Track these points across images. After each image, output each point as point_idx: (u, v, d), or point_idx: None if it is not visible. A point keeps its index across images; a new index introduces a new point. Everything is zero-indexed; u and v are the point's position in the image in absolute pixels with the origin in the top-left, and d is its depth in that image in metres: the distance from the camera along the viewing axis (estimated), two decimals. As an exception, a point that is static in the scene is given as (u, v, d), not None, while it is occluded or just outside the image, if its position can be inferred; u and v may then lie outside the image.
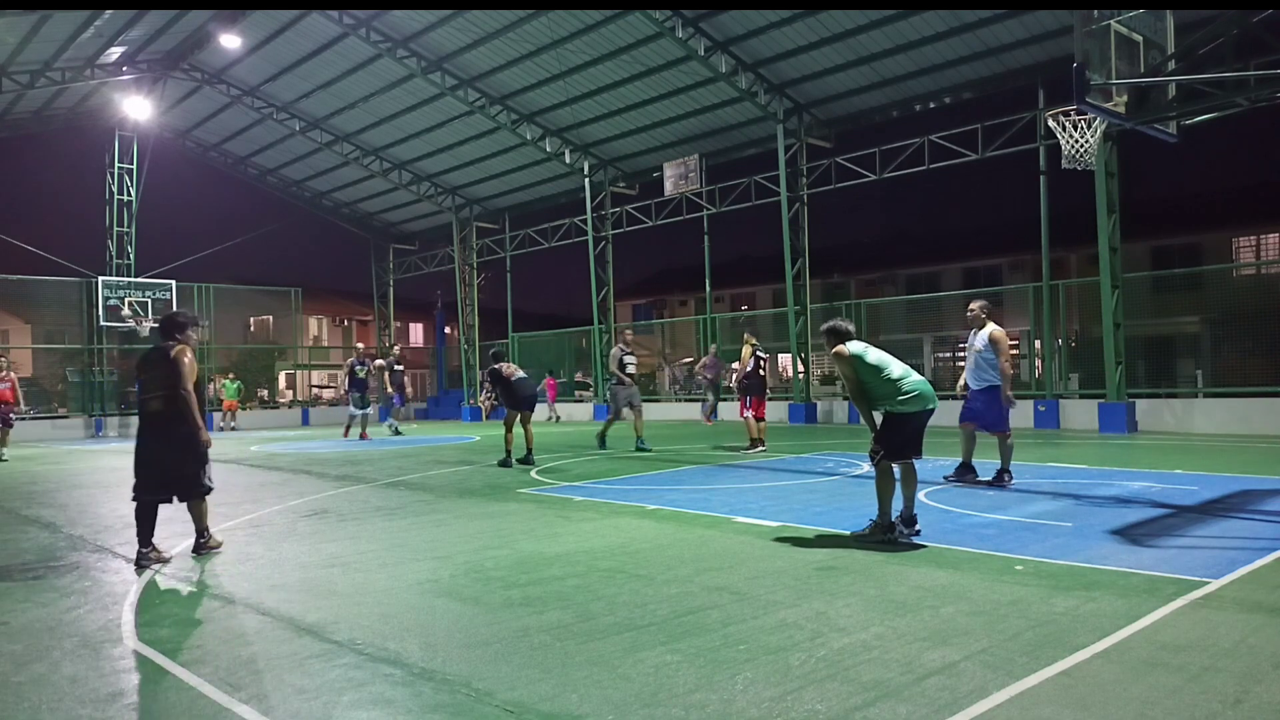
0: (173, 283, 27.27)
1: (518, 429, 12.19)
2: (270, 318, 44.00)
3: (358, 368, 18.97)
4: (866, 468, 10.38)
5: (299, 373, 38.57)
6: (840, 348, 6.41)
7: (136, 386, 6.29)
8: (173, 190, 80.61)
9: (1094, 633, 3.88)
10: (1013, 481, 8.69)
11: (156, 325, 27.35)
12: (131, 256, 27.17)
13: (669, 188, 23.67)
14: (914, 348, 32.35)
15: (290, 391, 40.29)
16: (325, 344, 48.25)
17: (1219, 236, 30.40)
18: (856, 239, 47.84)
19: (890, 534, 6.05)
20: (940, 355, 32.26)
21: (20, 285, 27.14)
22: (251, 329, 45.59)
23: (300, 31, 21.85)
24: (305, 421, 30.12)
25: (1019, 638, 3.86)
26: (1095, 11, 7.46)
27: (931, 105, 19.59)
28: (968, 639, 3.86)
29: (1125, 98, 7.98)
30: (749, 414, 13.21)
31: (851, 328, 6.65)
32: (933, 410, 6.37)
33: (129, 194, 27.13)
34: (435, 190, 29.45)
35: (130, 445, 6.18)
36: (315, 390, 40.53)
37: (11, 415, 16.29)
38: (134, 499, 6.08)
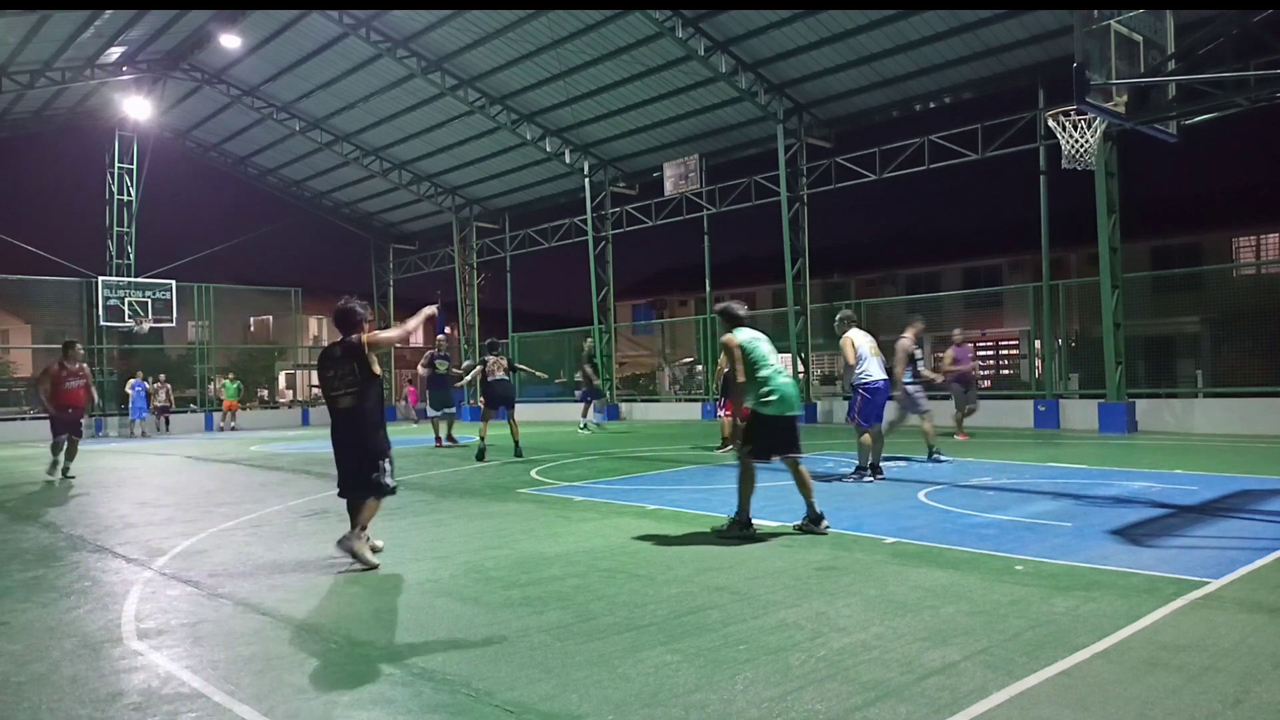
0: (173, 283, 27.29)
1: (501, 426, 12.60)
2: (270, 318, 43.96)
3: (439, 362, 16.31)
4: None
5: (299, 373, 38.57)
6: (728, 337, 6.48)
7: (321, 384, 5.99)
8: (173, 190, 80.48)
9: (1094, 633, 3.88)
10: (868, 479, 9.10)
11: (155, 325, 27.40)
12: (131, 256, 27.18)
13: (669, 188, 23.67)
14: (914, 348, 32.30)
15: (290, 391, 40.30)
16: (325, 344, 48.23)
17: (1219, 236, 30.38)
18: (856, 239, 47.80)
19: (748, 529, 6.28)
20: (940, 355, 32.22)
21: (20, 285, 27.16)
22: (251, 329, 45.56)
23: (300, 31, 21.85)
24: (305, 421, 30.12)
25: (1019, 638, 3.86)
26: (1095, 11, 7.46)
27: (931, 105, 19.58)
28: (968, 639, 3.86)
29: (1125, 98, 7.98)
30: (722, 414, 13.20)
31: (744, 311, 6.71)
32: (796, 416, 6.53)
33: (129, 194, 27.13)
34: (435, 190, 29.45)
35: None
36: (315, 390, 40.51)
37: (80, 421, 12.42)
38: (339, 494, 5.97)
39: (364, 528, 5.73)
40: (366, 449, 5.74)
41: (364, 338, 5.77)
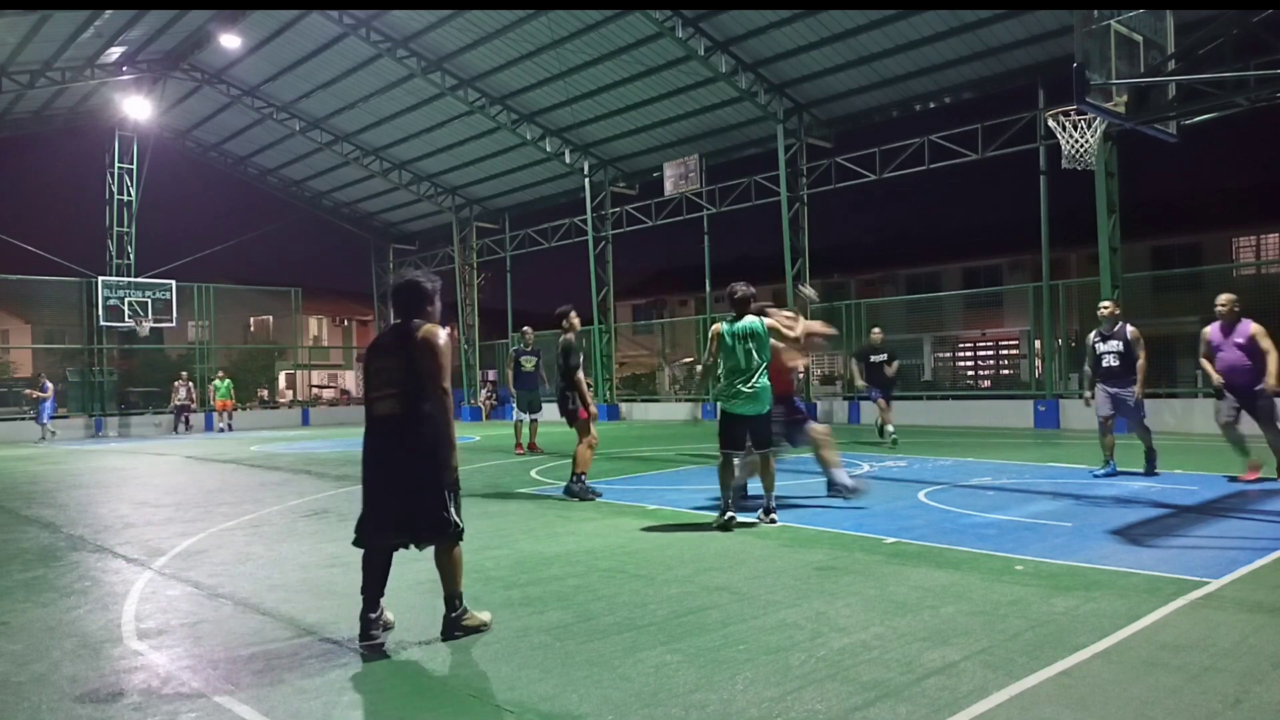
0: (173, 283, 27.27)
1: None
2: (270, 318, 44.01)
3: (525, 359, 14.30)
4: (867, 468, 10.38)
5: (299, 373, 38.59)
6: (717, 326, 6.78)
7: (363, 383, 4.37)
8: (173, 190, 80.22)
9: (1094, 633, 3.88)
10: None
11: (155, 325, 27.26)
12: (131, 256, 27.17)
13: (669, 188, 23.66)
14: (914, 347, 32.37)
15: (290, 391, 40.29)
16: (325, 344, 48.31)
17: (1219, 236, 30.40)
18: (856, 239, 47.79)
19: (727, 519, 6.59)
20: (940, 355, 32.24)
21: (20, 285, 27.16)
22: (251, 329, 45.62)
23: (300, 31, 21.85)
24: (305, 421, 30.11)
25: (1019, 638, 3.86)
26: (1095, 11, 7.46)
27: (931, 105, 19.58)
28: (968, 639, 3.86)
29: (1125, 98, 7.98)
30: None
31: (748, 293, 6.84)
32: (751, 418, 6.69)
33: (129, 194, 27.13)
34: (435, 190, 29.44)
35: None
36: (315, 390, 40.51)
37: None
38: (356, 543, 4.29)
39: (457, 598, 4.21)
40: (424, 470, 4.08)
41: (424, 330, 4.13)
